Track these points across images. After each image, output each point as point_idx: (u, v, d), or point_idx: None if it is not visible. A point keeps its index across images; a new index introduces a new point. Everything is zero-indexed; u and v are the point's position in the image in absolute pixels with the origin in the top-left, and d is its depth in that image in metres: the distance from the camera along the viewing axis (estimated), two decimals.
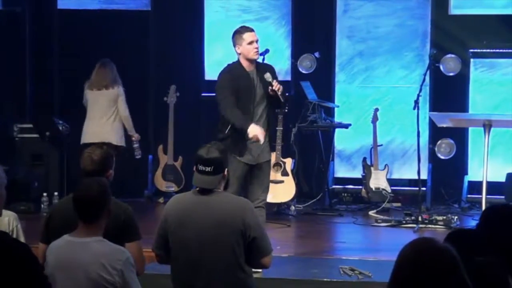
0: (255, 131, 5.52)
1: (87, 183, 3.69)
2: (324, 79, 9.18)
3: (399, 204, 8.68)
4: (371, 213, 8.31)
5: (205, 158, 4.08)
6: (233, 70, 5.81)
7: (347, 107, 9.18)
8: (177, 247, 4.08)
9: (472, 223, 7.70)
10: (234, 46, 5.82)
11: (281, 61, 9.25)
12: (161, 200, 8.86)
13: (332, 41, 9.21)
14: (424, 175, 8.42)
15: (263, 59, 7.11)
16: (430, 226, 7.44)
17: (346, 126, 8.90)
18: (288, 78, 9.27)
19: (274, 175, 8.08)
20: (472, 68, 8.90)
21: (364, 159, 8.79)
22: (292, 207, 8.25)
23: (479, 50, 8.84)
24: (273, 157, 8.07)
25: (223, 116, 5.72)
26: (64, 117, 8.80)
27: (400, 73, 9.09)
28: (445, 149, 8.86)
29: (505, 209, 3.05)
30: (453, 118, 6.75)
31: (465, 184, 8.78)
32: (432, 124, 8.28)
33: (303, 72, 9.12)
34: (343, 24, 9.23)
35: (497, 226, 2.92)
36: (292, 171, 8.21)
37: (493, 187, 7.59)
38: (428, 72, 8.08)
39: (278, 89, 5.68)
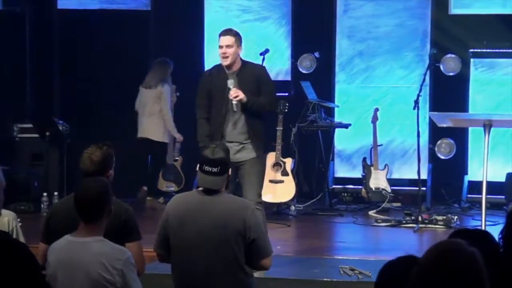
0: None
1: (88, 183, 3.70)
2: (324, 79, 9.18)
3: (399, 204, 8.68)
4: (371, 213, 8.31)
5: (211, 158, 4.09)
6: (213, 72, 5.88)
7: (347, 107, 9.18)
8: (178, 246, 4.08)
9: (472, 222, 7.71)
10: None
11: (281, 61, 9.26)
12: (161, 200, 8.86)
13: (332, 41, 9.22)
14: (424, 175, 8.42)
15: (263, 59, 7.12)
16: (430, 226, 7.44)
17: (346, 126, 8.90)
18: (288, 78, 9.27)
19: (274, 175, 8.08)
20: (472, 68, 8.90)
21: (364, 159, 8.79)
22: (292, 207, 8.25)
23: (479, 50, 8.84)
24: (273, 157, 8.08)
25: None
26: (64, 117, 8.80)
27: (400, 73, 9.09)
28: (445, 149, 8.86)
29: None
30: (453, 118, 6.73)
31: (465, 184, 8.78)
32: (432, 124, 8.27)
33: (303, 72, 9.12)
34: (343, 24, 9.23)
35: None
36: (292, 171, 8.21)
37: (493, 187, 7.58)
38: (428, 72, 8.09)
39: (234, 97, 5.64)
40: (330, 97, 9.13)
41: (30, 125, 8.71)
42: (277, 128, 7.91)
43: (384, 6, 9.14)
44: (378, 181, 8.66)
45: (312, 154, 8.98)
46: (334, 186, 9.11)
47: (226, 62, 5.72)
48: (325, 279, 5.51)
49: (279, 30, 9.34)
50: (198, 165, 4.15)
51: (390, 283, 2.45)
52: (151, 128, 8.65)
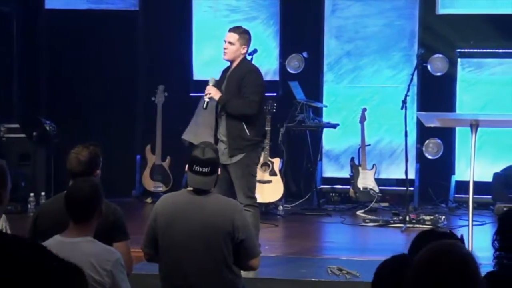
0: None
1: (79, 183, 3.68)
2: (312, 79, 9.19)
3: (386, 204, 8.70)
4: (359, 213, 8.32)
5: (202, 159, 4.09)
6: (225, 69, 5.94)
7: (335, 107, 9.19)
8: (166, 246, 4.08)
9: (460, 222, 7.73)
10: None
11: (269, 61, 9.26)
12: (149, 200, 8.85)
13: (320, 41, 9.23)
14: (411, 175, 8.44)
15: (251, 59, 7.11)
16: (417, 225, 7.45)
17: (334, 126, 8.91)
18: (276, 78, 9.28)
19: (262, 175, 8.09)
20: (459, 68, 8.93)
21: (352, 159, 8.81)
22: (280, 207, 8.25)
23: (466, 50, 8.87)
24: (261, 157, 8.08)
25: None
26: (51, 117, 8.77)
27: (388, 73, 9.11)
28: (433, 149, 8.89)
29: None
30: (440, 118, 6.75)
31: (453, 184, 8.81)
32: (419, 124, 8.30)
33: (291, 72, 9.13)
34: (331, 24, 9.24)
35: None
36: (280, 171, 8.21)
37: (480, 187, 7.61)
38: (415, 72, 8.11)
39: (206, 95, 5.73)
40: (318, 97, 9.14)
41: (17, 125, 8.67)
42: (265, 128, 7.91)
43: (372, 6, 9.16)
44: (366, 181, 8.67)
45: (300, 154, 8.99)
46: (322, 186, 9.12)
47: (224, 57, 5.81)
48: (313, 279, 5.52)
49: (267, 30, 9.35)
50: (187, 165, 4.15)
51: (387, 282, 2.46)
52: None
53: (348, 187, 8.80)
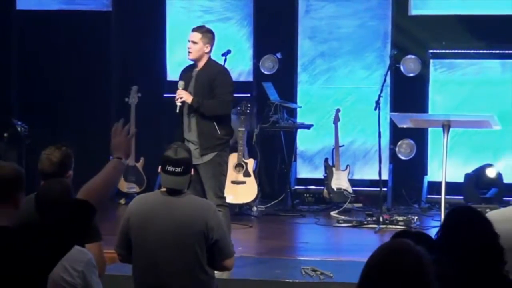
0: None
1: (50, 184, 3.65)
2: (286, 79, 9.20)
3: (360, 205, 8.73)
4: (332, 213, 8.34)
5: (174, 159, 4.08)
6: (186, 69, 6.03)
7: (309, 107, 9.21)
8: (139, 247, 4.06)
9: (432, 223, 7.78)
10: None
11: (243, 62, 9.25)
12: (122, 201, 8.80)
13: (294, 41, 9.24)
14: (385, 176, 8.48)
15: (225, 60, 7.10)
16: (391, 226, 7.49)
17: (308, 126, 8.93)
18: (250, 78, 9.27)
19: (236, 175, 8.08)
20: (431, 69, 8.99)
21: (326, 160, 8.83)
22: (254, 208, 8.25)
23: (438, 51, 8.93)
24: (235, 157, 8.08)
25: None
26: (23, 118, 8.70)
27: (361, 73, 9.15)
28: (406, 149, 8.93)
29: (467, 211, 3.08)
30: (413, 119, 6.80)
31: (425, 185, 8.86)
32: (393, 125, 8.33)
33: (265, 72, 9.13)
34: (305, 24, 9.26)
35: (459, 228, 2.95)
36: (254, 171, 8.21)
37: (452, 187, 7.67)
38: (388, 72, 8.15)
39: (177, 99, 5.74)
40: (292, 98, 9.15)
41: None
42: (239, 129, 7.91)
43: (345, 7, 9.19)
44: (340, 181, 8.70)
45: (274, 155, 9.00)
46: (296, 187, 9.13)
47: (188, 56, 5.86)
48: (287, 280, 5.52)
49: (241, 30, 9.34)
50: (160, 166, 4.13)
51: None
52: None
53: (322, 187, 8.81)
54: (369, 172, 8.96)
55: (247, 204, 8.25)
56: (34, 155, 4.32)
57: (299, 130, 9.00)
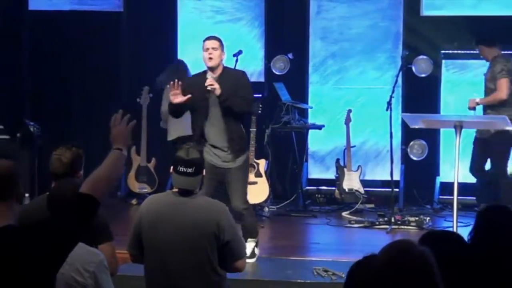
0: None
1: (60, 185, 3.66)
2: (297, 80, 9.20)
3: (372, 205, 8.71)
4: (344, 214, 8.33)
5: (186, 159, 4.09)
6: (196, 76, 6.11)
7: (320, 108, 9.20)
8: (150, 247, 4.07)
9: (444, 224, 7.75)
10: None
11: (254, 63, 9.25)
12: (134, 201, 8.82)
13: (306, 42, 9.23)
14: (396, 176, 8.46)
15: (236, 60, 7.12)
16: (402, 227, 7.48)
17: (320, 127, 8.92)
18: (262, 79, 9.27)
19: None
20: (443, 69, 8.96)
21: (338, 160, 8.81)
22: (266, 208, 8.25)
23: (450, 51, 8.90)
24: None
25: None
26: (35, 118, 8.73)
27: (372, 74, 9.13)
28: (417, 150, 8.90)
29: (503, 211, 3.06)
30: (425, 119, 6.77)
31: (437, 185, 8.84)
32: (404, 125, 8.31)
33: (277, 73, 9.13)
34: (316, 25, 9.25)
35: (494, 228, 2.94)
36: (265, 172, 8.21)
37: (465, 188, 7.64)
38: (400, 73, 8.13)
39: (209, 85, 5.81)
40: (304, 99, 9.14)
41: (0, 127, 8.61)
42: (250, 129, 7.91)
43: (357, 7, 9.17)
44: (351, 182, 8.68)
45: (285, 156, 8.99)
46: (307, 188, 9.12)
47: (211, 63, 5.92)
48: (298, 280, 5.52)
49: (253, 31, 9.34)
50: (172, 166, 4.14)
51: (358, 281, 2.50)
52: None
53: (334, 188, 8.80)
54: (380, 173, 8.95)
55: (258, 204, 8.24)
56: (46, 155, 4.34)
57: (310, 131, 9.00)
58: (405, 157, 8.92)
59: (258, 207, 8.28)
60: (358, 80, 9.17)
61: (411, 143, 8.88)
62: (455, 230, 5.82)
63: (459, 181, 6.41)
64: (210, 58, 5.89)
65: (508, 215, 2.99)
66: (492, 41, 7.49)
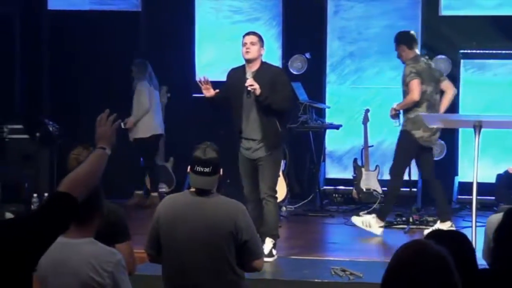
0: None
1: None
2: (315, 80, 9.19)
3: None
4: (362, 214, 8.30)
5: (203, 159, 4.09)
6: (236, 69, 6.22)
7: (338, 108, 9.19)
8: (168, 247, 4.08)
9: (463, 223, 7.72)
10: None
11: (272, 62, 9.15)
12: None
13: (323, 42, 9.23)
14: (414, 176, 8.43)
15: None
16: (421, 227, 7.45)
17: (337, 127, 8.91)
18: None
19: None
20: (462, 69, 8.92)
21: (355, 160, 8.80)
22: (283, 208, 8.25)
23: (469, 51, 8.86)
24: None
25: None
26: (54, 117, 8.78)
27: (390, 74, 9.10)
28: (436, 150, 8.86)
29: None
30: (443, 119, 6.75)
31: (456, 185, 8.80)
32: None
33: (294, 73, 9.13)
34: (334, 25, 9.24)
35: None
36: (283, 172, 8.20)
37: (484, 188, 7.60)
38: None
39: (249, 85, 5.93)
40: (321, 98, 9.13)
41: (20, 126, 8.67)
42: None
43: (375, 7, 9.15)
44: (369, 182, 8.67)
45: (303, 155, 8.99)
46: (325, 187, 9.12)
47: (247, 56, 6.07)
48: (316, 280, 5.51)
49: (270, 31, 9.34)
50: (189, 166, 4.14)
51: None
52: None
53: (351, 188, 8.79)
54: None
55: None
56: (65, 154, 4.36)
57: (328, 130, 8.99)
58: None
59: None
60: (376, 80, 9.15)
61: None
62: (474, 230, 5.78)
63: (478, 181, 6.37)
64: (247, 52, 6.05)
65: None
66: (415, 42, 7.46)
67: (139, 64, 8.75)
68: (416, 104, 7.09)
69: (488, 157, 8.48)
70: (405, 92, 7.21)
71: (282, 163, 8.23)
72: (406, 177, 7.79)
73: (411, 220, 7.48)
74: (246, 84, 5.95)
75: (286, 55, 9.23)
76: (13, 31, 9.35)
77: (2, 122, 8.76)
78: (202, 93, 6.15)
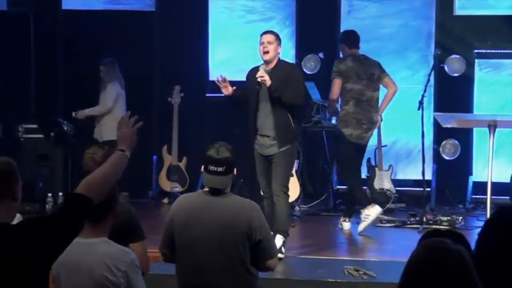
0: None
1: None
2: (328, 79, 9.13)
3: (403, 205, 8.67)
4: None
5: (216, 158, 4.10)
6: (253, 69, 6.25)
7: None
8: (182, 247, 4.08)
9: (477, 223, 7.69)
10: None
11: None
12: (165, 200, 8.87)
13: (336, 41, 9.20)
14: (428, 176, 8.42)
15: None
16: (434, 226, 7.43)
17: None
18: None
19: None
20: (476, 69, 8.89)
21: (369, 160, 8.78)
22: (297, 208, 8.24)
23: (483, 51, 8.83)
24: None
25: None
26: (69, 117, 8.81)
27: (404, 73, 9.08)
28: (450, 149, 8.85)
29: None
30: (458, 119, 6.73)
31: (470, 185, 8.78)
32: (436, 125, 8.26)
33: (308, 72, 9.12)
34: (348, 24, 9.21)
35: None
36: (296, 171, 8.20)
37: (498, 187, 7.58)
38: (432, 72, 8.07)
39: (259, 76, 5.98)
40: None
41: (35, 126, 8.71)
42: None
43: (388, 6, 9.14)
44: (383, 181, 8.65)
45: (316, 155, 8.98)
46: (338, 187, 9.10)
47: (266, 57, 6.13)
48: (329, 280, 5.51)
49: (283, 30, 9.33)
50: (203, 166, 4.15)
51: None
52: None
53: (365, 187, 8.77)
54: (412, 172, 8.90)
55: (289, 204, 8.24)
56: (80, 154, 4.38)
57: None
58: (437, 157, 8.86)
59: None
60: None
61: (443, 142, 8.82)
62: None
63: (492, 180, 6.36)
64: (265, 52, 6.09)
65: None
66: (356, 42, 7.49)
67: (108, 63, 8.66)
68: (343, 102, 7.17)
69: (503, 157, 8.44)
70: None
71: (296, 162, 8.25)
72: (419, 177, 7.78)
73: (424, 220, 7.45)
74: (257, 76, 6.00)
75: (300, 55, 9.22)
76: (27, 31, 9.38)
77: (17, 121, 8.80)
78: (216, 92, 6.20)
